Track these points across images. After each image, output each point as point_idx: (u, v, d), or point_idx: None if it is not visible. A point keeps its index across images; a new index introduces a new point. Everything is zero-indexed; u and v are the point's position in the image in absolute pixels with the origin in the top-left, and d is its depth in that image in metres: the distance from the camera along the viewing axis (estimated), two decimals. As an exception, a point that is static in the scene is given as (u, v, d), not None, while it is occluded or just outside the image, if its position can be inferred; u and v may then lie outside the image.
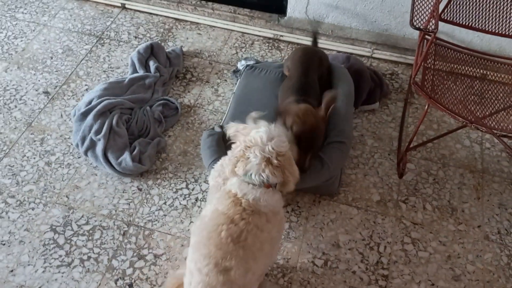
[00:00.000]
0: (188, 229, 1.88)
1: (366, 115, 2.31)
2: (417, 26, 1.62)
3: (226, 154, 1.91)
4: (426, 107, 1.80)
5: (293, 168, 1.45)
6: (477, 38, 2.38)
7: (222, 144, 1.98)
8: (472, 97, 1.95)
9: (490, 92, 1.96)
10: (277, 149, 1.39)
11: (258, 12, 2.71)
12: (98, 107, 2.09)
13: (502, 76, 2.02)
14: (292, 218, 1.92)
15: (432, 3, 1.72)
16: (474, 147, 2.20)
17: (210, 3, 2.76)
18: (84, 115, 2.10)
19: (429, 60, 1.99)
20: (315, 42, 2.37)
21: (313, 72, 2.02)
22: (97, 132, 2.03)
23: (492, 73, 2.03)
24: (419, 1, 1.73)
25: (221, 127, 2.07)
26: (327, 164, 1.85)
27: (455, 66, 2.02)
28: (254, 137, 1.41)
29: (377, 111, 2.33)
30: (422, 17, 1.69)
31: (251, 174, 1.40)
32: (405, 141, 2.17)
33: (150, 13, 2.83)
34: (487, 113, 1.88)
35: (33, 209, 1.93)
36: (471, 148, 2.20)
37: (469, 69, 2.03)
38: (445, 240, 1.88)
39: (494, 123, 1.82)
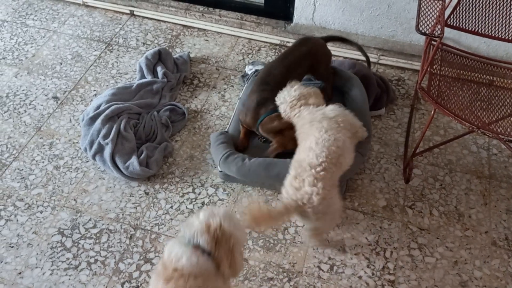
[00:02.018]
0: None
1: (372, 120, 2.32)
2: (423, 31, 1.63)
3: (236, 151, 1.95)
4: (432, 112, 1.80)
5: (235, 257, 1.35)
6: (483, 44, 2.38)
7: (232, 143, 2.00)
8: (479, 103, 1.94)
9: (497, 98, 1.96)
10: (223, 223, 1.33)
11: (264, 18, 2.74)
12: (106, 111, 2.12)
13: (509, 82, 2.02)
14: (298, 223, 1.92)
15: (438, 9, 1.72)
16: (481, 152, 2.19)
17: (217, 10, 2.78)
18: (93, 119, 2.13)
19: (435, 66, 1.99)
20: (329, 38, 2.34)
21: (293, 60, 2.07)
22: (105, 137, 2.05)
23: (499, 79, 2.03)
24: (425, 7, 1.74)
25: (226, 132, 2.09)
26: None
27: (462, 72, 2.02)
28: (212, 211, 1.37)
29: (383, 116, 2.34)
30: (428, 22, 1.70)
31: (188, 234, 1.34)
32: (411, 147, 2.17)
33: (158, 20, 2.86)
34: (493, 119, 1.88)
35: (41, 212, 1.95)
36: (478, 154, 2.19)
37: (476, 75, 2.03)
38: (452, 245, 1.87)
39: (501, 128, 1.82)
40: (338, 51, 2.63)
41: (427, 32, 1.65)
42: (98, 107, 2.17)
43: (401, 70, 2.58)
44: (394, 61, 2.58)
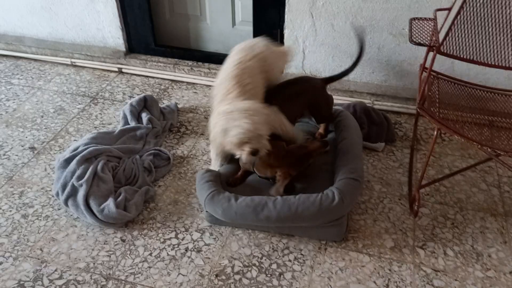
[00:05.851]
0: (176, 282, 1.63)
1: (371, 161, 2.16)
2: (416, 41, 1.55)
3: (223, 190, 1.76)
4: (435, 132, 1.65)
5: None
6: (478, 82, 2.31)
7: (219, 182, 1.82)
8: (484, 142, 1.82)
9: (499, 138, 1.84)
10: None
11: (254, 70, 2.70)
12: (83, 152, 1.95)
13: (510, 122, 1.92)
14: (295, 267, 1.68)
15: (430, 27, 1.66)
16: (492, 190, 2.01)
17: (206, 64, 2.76)
18: (68, 161, 1.95)
19: (433, 109, 1.89)
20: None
21: (290, 101, 1.96)
22: (80, 177, 1.87)
23: (499, 119, 1.93)
24: (417, 25, 1.68)
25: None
26: (341, 198, 1.67)
27: (461, 114, 1.92)
28: None
29: (382, 157, 2.19)
30: (422, 35, 1.62)
31: None
32: (415, 185, 1.99)
33: (147, 76, 2.82)
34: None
35: (1, 263, 1.70)
36: (489, 191, 2.01)
37: (475, 116, 1.93)
38: (474, 288, 1.61)
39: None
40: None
41: (422, 42, 1.56)
42: (76, 149, 2.01)
43: (396, 114, 2.48)
44: (389, 105, 2.49)
